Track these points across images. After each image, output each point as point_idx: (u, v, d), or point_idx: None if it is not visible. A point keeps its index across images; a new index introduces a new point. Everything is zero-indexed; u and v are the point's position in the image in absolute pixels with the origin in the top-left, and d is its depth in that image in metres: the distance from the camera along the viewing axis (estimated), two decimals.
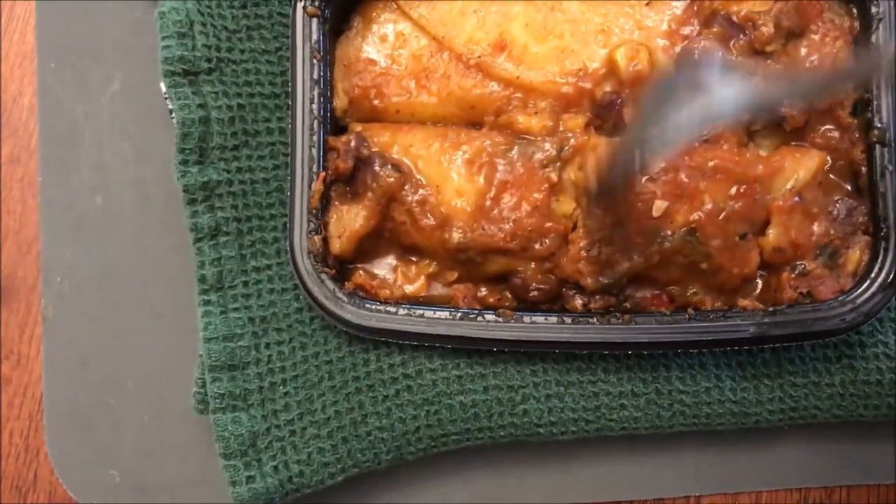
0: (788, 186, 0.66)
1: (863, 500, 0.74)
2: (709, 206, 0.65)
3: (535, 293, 0.67)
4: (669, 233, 0.66)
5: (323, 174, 0.67)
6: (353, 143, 0.67)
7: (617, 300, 0.68)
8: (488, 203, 0.67)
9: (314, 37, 0.68)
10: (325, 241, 0.67)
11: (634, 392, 0.69)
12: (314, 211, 0.67)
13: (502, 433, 0.69)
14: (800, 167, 0.66)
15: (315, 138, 0.67)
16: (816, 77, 0.51)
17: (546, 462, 0.72)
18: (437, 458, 0.71)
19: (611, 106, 0.67)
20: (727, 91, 0.56)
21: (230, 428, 0.67)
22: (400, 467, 0.71)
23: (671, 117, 0.57)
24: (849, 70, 0.46)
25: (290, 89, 0.68)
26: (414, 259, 0.70)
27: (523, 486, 0.72)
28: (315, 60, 0.68)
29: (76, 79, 0.76)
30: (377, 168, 0.67)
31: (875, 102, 0.67)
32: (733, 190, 0.65)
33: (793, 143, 0.68)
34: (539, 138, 0.67)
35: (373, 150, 0.68)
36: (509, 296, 0.68)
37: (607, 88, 0.68)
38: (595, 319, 0.66)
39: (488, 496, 0.73)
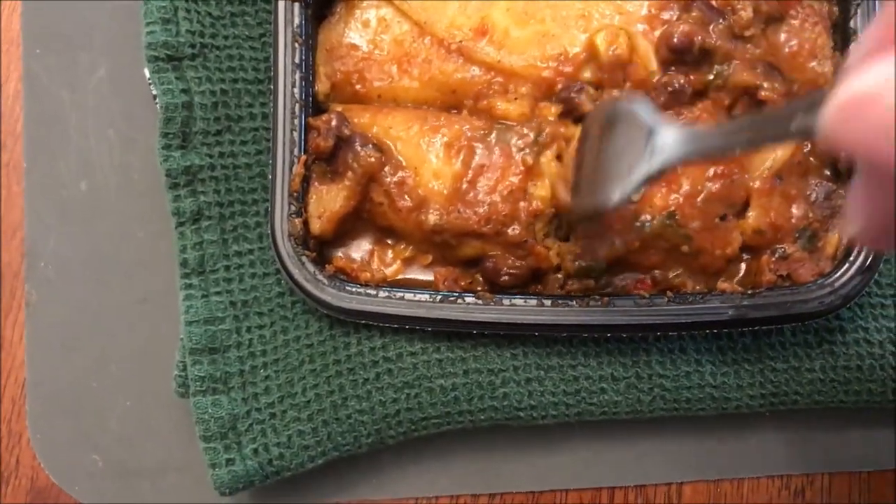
0: (766, 166, 0.66)
1: (845, 487, 0.74)
2: (686, 188, 0.65)
3: (506, 277, 0.67)
4: (649, 217, 0.66)
5: (304, 157, 0.67)
6: (333, 122, 0.68)
7: (597, 284, 0.68)
8: (464, 186, 0.67)
9: (296, 21, 0.68)
10: (306, 224, 0.68)
11: (614, 376, 0.69)
12: (295, 193, 0.67)
13: (482, 417, 0.69)
14: (777, 147, 0.66)
15: (296, 122, 0.67)
16: (756, 127, 0.50)
17: (526, 448, 0.72)
18: (417, 443, 0.71)
19: (568, 97, 0.67)
20: (669, 135, 0.55)
21: (210, 410, 0.67)
22: (380, 452, 0.71)
23: (617, 164, 0.57)
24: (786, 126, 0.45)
25: (272, 74, 0.68)
26: (390, 242, 0.70)
27: (503, 471, 0.72)
28: (297, 45, 0.68)
29: (62, 65, 0.76)
30: (358, 147, 0.67)
31: None
32: (711, 171, 0.66)
33: None
34: (517, 124, 0.68)
35: (354, 129, 0.68)
36: (481, 279, 0.68)
37: (587, 74, 0.69)
38: (574, 302, 0.66)
39: (468, 481, 0.72)
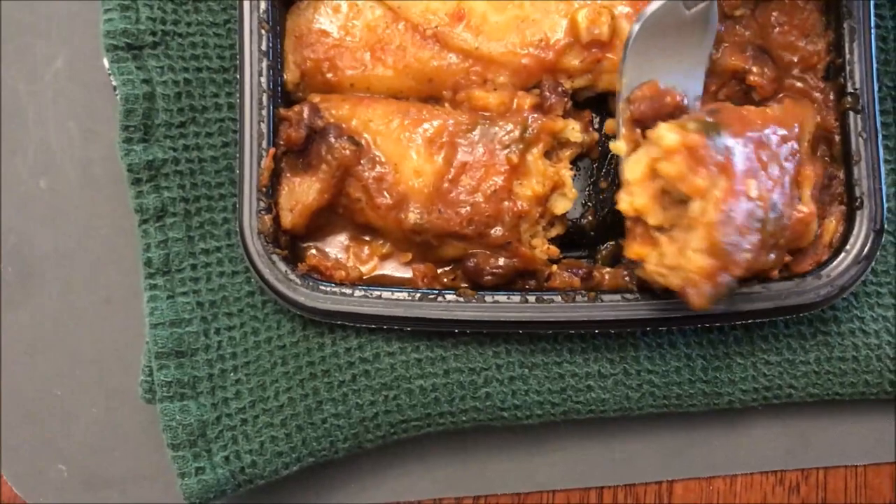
0: None
1: (840, 482, 0.72)
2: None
3: (489, 278, 0.64)
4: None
5: (273, 150, 0.64)
6: (306, 113, 0.64)
7: (584, 281, 0.65)
8: (446, 185, 0.64)
9: (262, 6, 0.65)
10: (277, 220, 0.64)
11: (601, 373, 0.66)
12: (264, 189, 0.64)
13: (464, 418, 0.66)
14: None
15: (264, 112, 0.64)
16: None
17: (511, 448, 0.70)
18: (397, 446, 0.68)
19: (544, 95, 0.65)
20: None
21: (178, 417, 0.64)
22: (359, 456, 0.68)
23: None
24: None
25: (238, 63, 0.65)
26: (367, 238, 0.67)
27: (487, 472, 0.70)
28: (263, 31, 0.65)
29: (18, 55, 0.72)
30: (332, 139, 0.64)
31: (848, 67, 0.64)
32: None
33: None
34: (502, 121, 0.64)
35: (329, 120, 0.65)
36: (463, 275, 0.65)
37: (569, 60, 0.66)
38: (559, 298, 0.64)
39: (451, 484, 0.70)
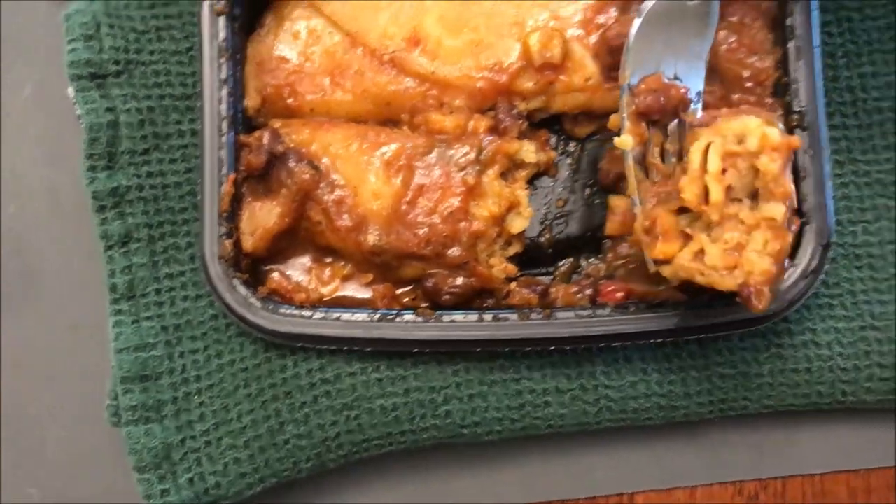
0: None
1: (798, 491, 0.73)
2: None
3: (448, 297, 0.65)
4: None
5: (233, 176, 0.65)
6: (266, 139, 0.66)
7: (541, 298, 0.67)
8: (404, 207, 0.65)
9: (221, 35, 0.66)
10: (238, 244, 0.66)
11: (559, 389, 0.67)
12: (225, 214, 0.65)
13: (425, 436, 0.67)
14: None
15: (224, 139, 0.65)
16: None
17: (473, 464, 0.71)
18: (359, 464, 0.69)
19: (498, 118, 0.67)
20: None
21: (143, 440, 0.65)
22: (322, 475, 0.69)
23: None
24: None
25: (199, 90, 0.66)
26: (329, 260, 0.68)
27: (450, 488, 0.71)
28: (223, 60, 0.66)
29: None
30: (292, 164, 0.65)
31: (793, 86, 0.66)
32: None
33: None
34: (458, 143, 0.66)
35: (288, 146, 0.66)
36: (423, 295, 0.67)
37: (523, 83, 0.67)
38: (515, 316, 0.65)
39: (413, 502, 0.71)
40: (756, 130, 0.58)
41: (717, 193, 0.58)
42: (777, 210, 0.58)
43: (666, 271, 0.61)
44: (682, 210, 0.61)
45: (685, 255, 0.60)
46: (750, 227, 0.59)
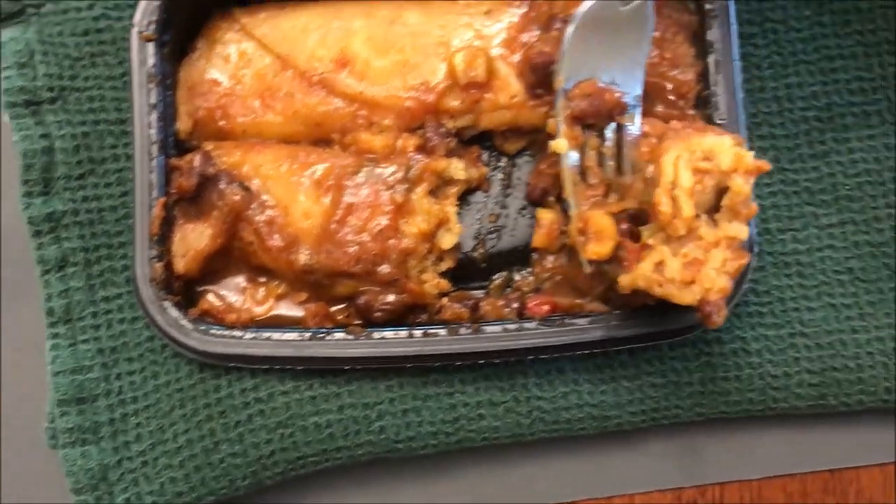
0: None
1: (736, 497, 0.74)
2: None
3: (380, 314, 0.66)
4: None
5: (162, 200, 0.66)
6: (196, 161, 0.67)
7: (472, 313, 0.68)
8: (334, 226, 0.66)
9: (150, 61, 0.67)
10: (169, 266, 0.66)
11: (492, 401, 0.68)
12: (155, 237, 0.66)
13: (360, 451, 0.68)
14: None
15: (154, 163, 0.66)
16: None
17: (410, 477, 0.72)
18: (297, 482, 0.70)
19: (426, 137, 0.68)
20: None
21: (80, 462, 0.65)
22: (260, 493, 0.70)
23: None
24: None
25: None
26: (263, 280, 0.69)
27: (389, 502, 0.71)
28: (152, 85, 0.67)
29: None
30: (223, 186, 0.66)
31: (714, 99, 0.67)
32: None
33: None
34: (386, 162, 0.67)
35: (220, 168, 0.67)
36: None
37: (450, 102, 0.68)
38: (444, 332, 0.66)
39: None
40: (729, 150, 0.59)
41: (688, 209, 0.59)
42: (742, 231, 0.60)
43: (625, 280, 0.62)
44: (633, 219, 0.63)
45: (647, 266, 0.61)
46: (709, 244, 0.60)
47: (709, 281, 0.59)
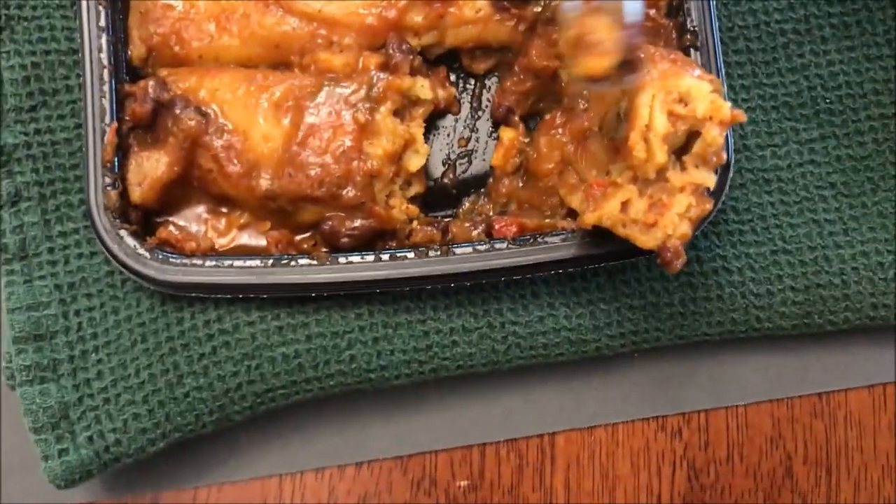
0: None
1: (722, 424, 0.72)
2: None
3: (346, 240, 0.64)
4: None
5: (115, 125, 0.63)
6: (151, 87, 0.64)
7: (443, 235, 0.65)
8: (295, 148, 0.63)
9: None
10: (125, 195, 0.64)
11: (466, 327, 0.66)
12: (109, 164, 0.63)
13: (332, 382, 0.65)
14: None
15: (105, 88, 0.64)
16: None
17: (389, 412, 0.69)
18: (272, 419, 0.68)
19: (389, 54, 0.65)
20: None
21: (38, 400, 0.63)
22: (235, 431, 0.67)
23: None
24: None
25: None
26: (224, 210, 0.66)
27: (368, 438, 0.69)
28: (101, 7, 0.64)
29: None
30: (178, 112, 0.64)
31: (686, 5, 0.65)
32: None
33: None
34: (347, 81, 0.64)
35: (175, 93, 0.65)
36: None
37: (413, 17, 0.66)
38: (412, 254, 0.63)
39: (332, 453, 0.69)
40: (706, 97, 0.57)
41: (661, 156, 0.57)
42: (709, 179, 0.58)
43: (589, 218, 0.60)
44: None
45: (614, 205, 0.59)
46: (674, 189, 0.58)
47: (671, 226, 0.57)
